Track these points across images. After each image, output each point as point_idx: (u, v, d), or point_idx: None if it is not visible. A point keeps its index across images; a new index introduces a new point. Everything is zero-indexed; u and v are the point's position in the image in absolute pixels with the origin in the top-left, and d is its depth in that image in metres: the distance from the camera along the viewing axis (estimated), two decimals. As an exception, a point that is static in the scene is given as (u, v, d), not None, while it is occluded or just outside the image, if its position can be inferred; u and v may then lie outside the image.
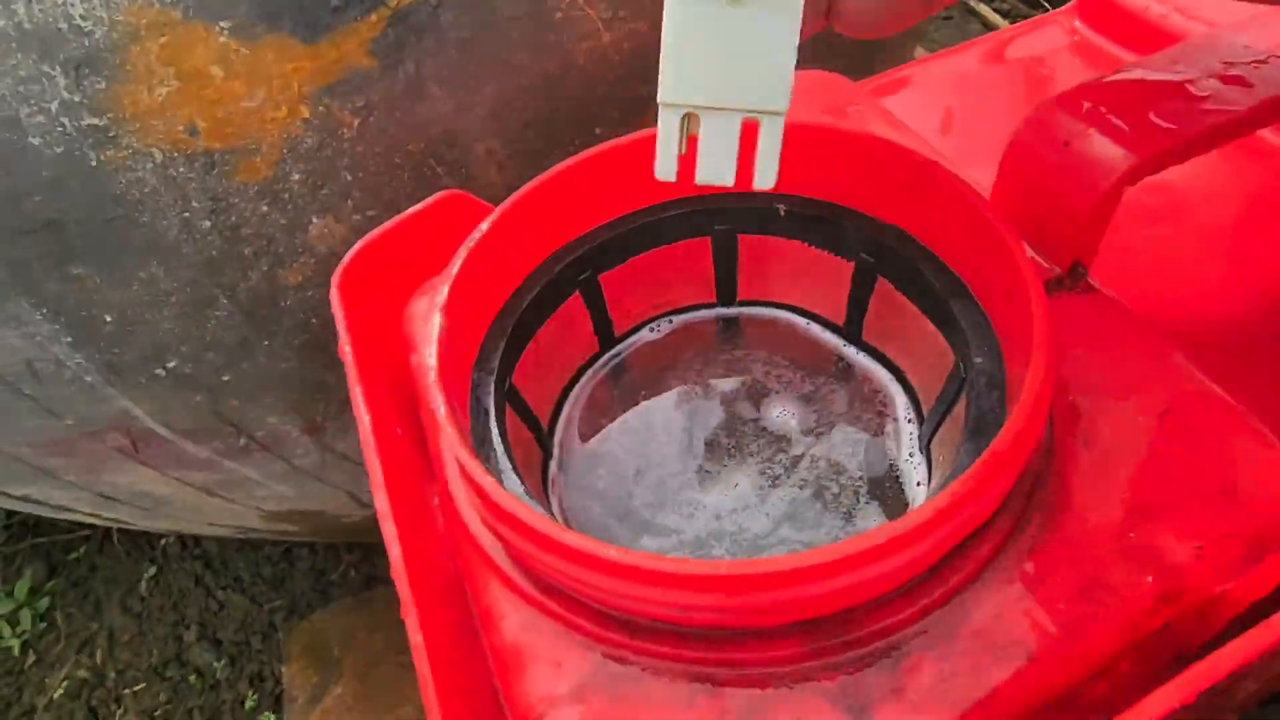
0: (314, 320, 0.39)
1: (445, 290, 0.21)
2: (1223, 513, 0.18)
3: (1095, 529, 0.18)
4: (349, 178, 0.35)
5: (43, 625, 0.92)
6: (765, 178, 0.19)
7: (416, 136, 0.35)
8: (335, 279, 0.25)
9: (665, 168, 0.19)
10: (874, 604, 0.17)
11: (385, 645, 0.80)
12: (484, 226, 0.23)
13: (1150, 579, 0.18)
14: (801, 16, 0.17)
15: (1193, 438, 0.20)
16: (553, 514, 0.25)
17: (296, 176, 0.34)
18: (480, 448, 0.21)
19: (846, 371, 0.27)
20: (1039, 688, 0.17)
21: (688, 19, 0.18)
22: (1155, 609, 0.17)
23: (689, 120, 0.19)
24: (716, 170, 0.19)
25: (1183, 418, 0.20)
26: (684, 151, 0.19)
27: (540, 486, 0.26)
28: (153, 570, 0.93)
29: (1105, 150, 0.21)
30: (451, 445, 0.18)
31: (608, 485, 0.25)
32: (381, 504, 0.20)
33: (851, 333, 0.27)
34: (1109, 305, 0.23)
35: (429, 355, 0.20)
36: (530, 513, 0.17)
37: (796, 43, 0.18)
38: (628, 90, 0.38)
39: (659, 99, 0.18)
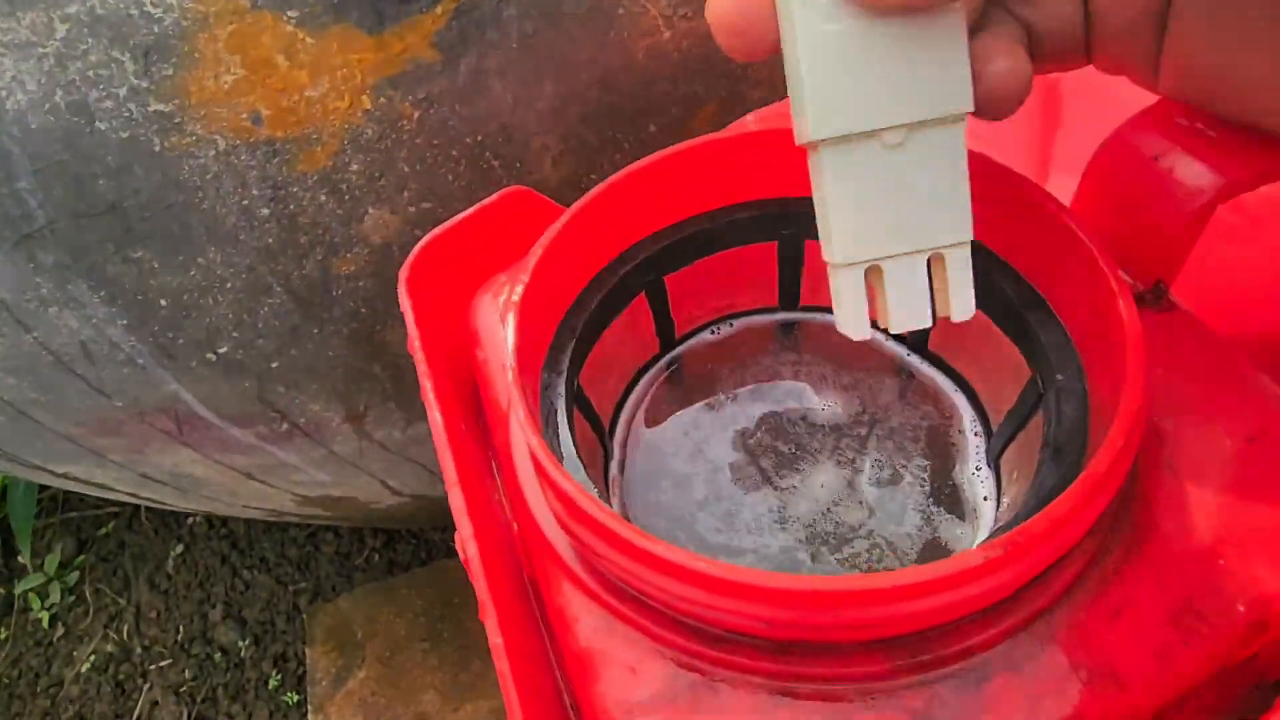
0: (363, 310, 0.39)
1: (520, 290, 0.21)
2: (1314, 542, 0.18)
3: (1183, 554, 0.18)
4: (406, 169, 0.35)
5: (71, 599, 0.93)
6: (964, 309, 0.18)
7: (474, 130, 0.35)
8: (403, 274, 0.25)
9: (858, 328, 0.18)
10: (958, 623, 0.17)
11: (408, 631, 0.81)
12: (558, 226, 0.23)
13: (1242, 608, 0.17)
14: (966, 144, 0.17)
15: (1281, 464, 0.19)
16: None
17: (355, 167, 0.34)
18: (552, 442, 0.21)
19: (910, 379, 0.27)
20: (1125, 713, 0.17)
21: (848, 172, 0.17)
22: (1247, 638, 0.17)
23: (870, 273, 0.18)
24: (911, 315, 0.18)
25: (1270, 443, 0.20)
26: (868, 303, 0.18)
27: (603, 485, 0.26)
28: (180, 548, 0.95)
29: (1195, 168, 0.21)
30: (532, 448, 0.18)
31: (671, 500, 0.25)
32: (456, 501, 0.20)
33: (916, 341, 0.27)
34: (1191, 324, 0.22)
35: (506, 357, 0.20)
36: (620, 521, 0.17)
37: (967, 169, 0.17)
38: (683, 88, 0.38)
39: (831, 260, 0.18)
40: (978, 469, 0.25)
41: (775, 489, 0.25)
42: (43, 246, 0.34)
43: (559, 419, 0.22)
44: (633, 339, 0.27)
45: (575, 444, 0.22)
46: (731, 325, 0.29)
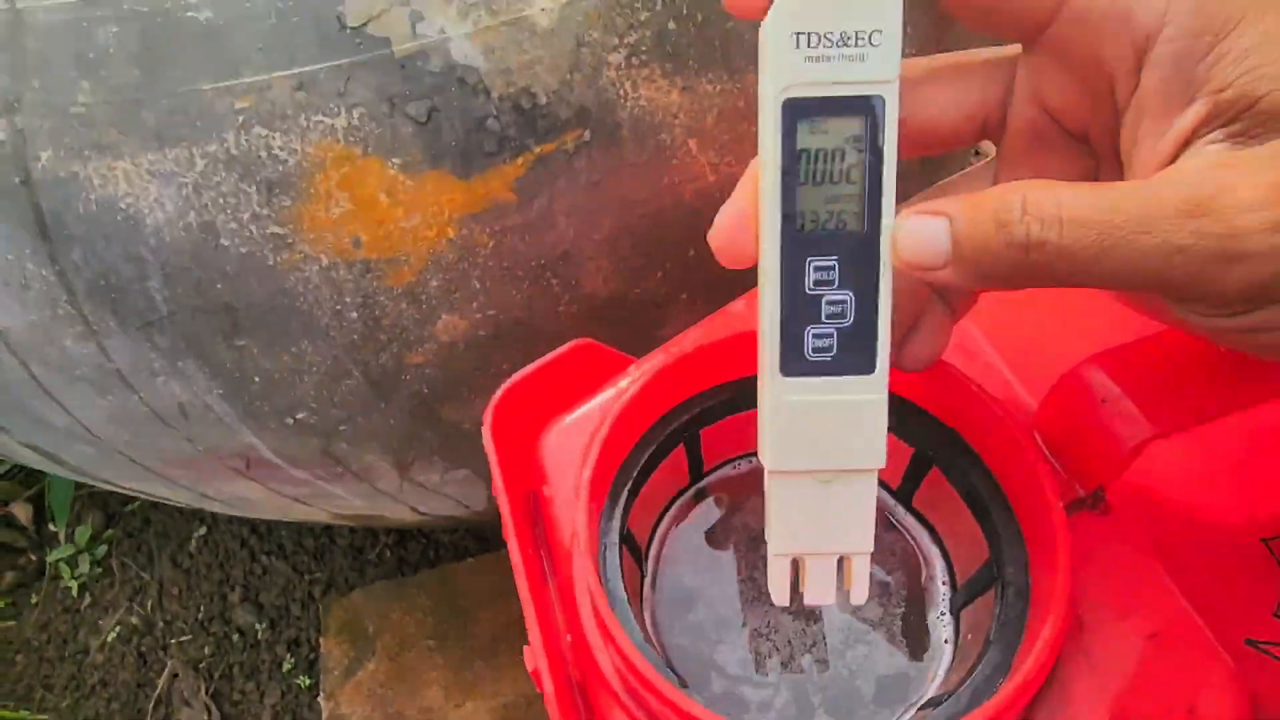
0: (426, 390, 0.45)
1: (588, 474, 0.26)
2: (1185, 729, 0.24)
3: (1085, 731, 0.24)
4: (477, 285, 0.40)
5: (99, 570, 0.99)
6: (860, 596, 0.25)
7: (539, 255, 0.40)
8: (487, 418, 0.31)
9: (780, 597, 0.26)
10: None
11: (417, 630, 0.87)
12: (621, 404, 0.28)
13: (1122, 781, 0.23)
14: (877, 482, 0.24)
15: (1172, 660, 0.25)
16: (645, 626, 0.31)
17: (435, 283, 0.39)
18: (608, 592, 0.27)
19: (895, 527, 0.33)
20: None
21: (790, 495, 0.24)
22: (1122, 805, 0.23)
23: (796, 561, 0.25)
24: (820, 596, 0.25)
25: (1166, 641, 0.25)
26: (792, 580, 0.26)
27: (638, 601, 0.31)
28: (203, 530, 1.00)
29: (1135, 417, 0.26)
30: (604, 614, 0.24)
31: (693, 619, 0.31)
32: (535, 638, 0.25)
33: (903, 497, 0.33)
34: (1121, 528, 0.28)
35: (579, 520, 0.26)
36: (669, 687, 0.22)
37: (875, 497, 0.24)
38: (722, 220, 0.43)
39: (769, 550, 0.25)
40: (942, 614, 0.31)
41: (780, 610, 0.31)
42: (161, 331, 0.39)
43: (609, 562, 0.28)
44: (669, 477, 0.32)
45: (625, 587, 0.27)
46: (751, 461, 0.35)
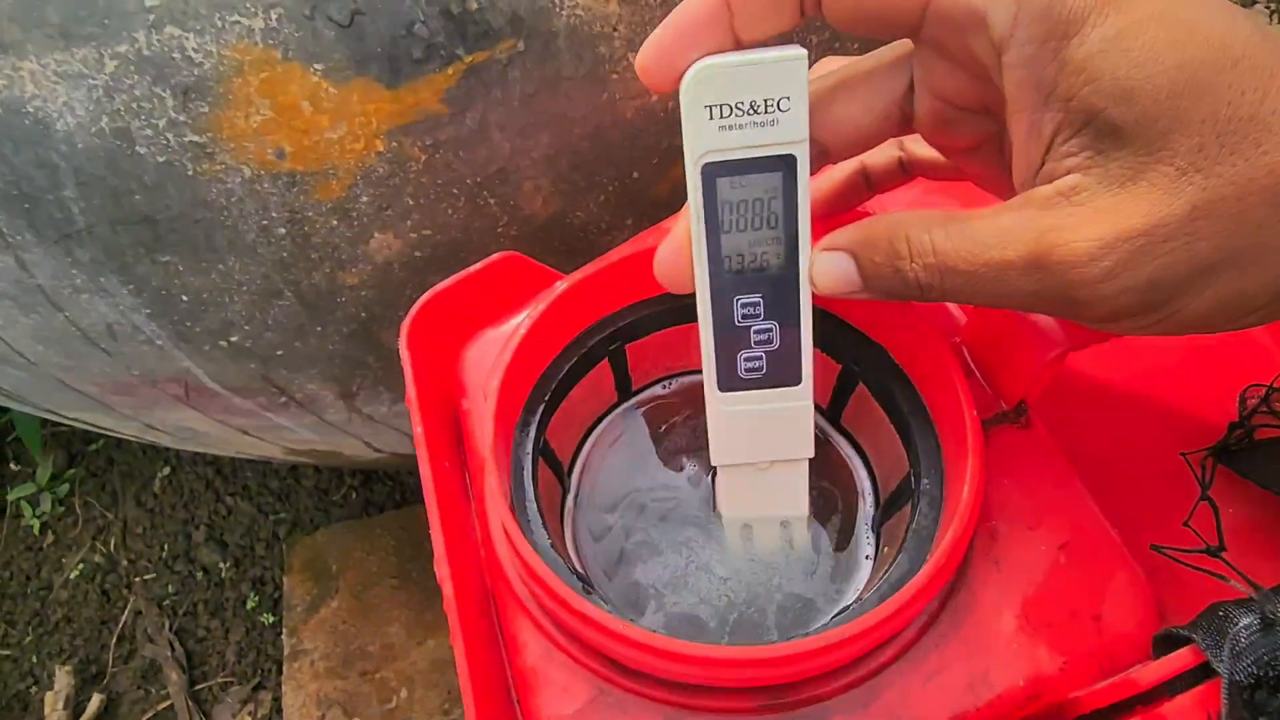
0: (363, 314, 0.44)
1: (497, 382, 0.26)
2: (1089, 636, 0.24)
3: (991, 636, 0.24)
4: (410, 202, 0.39)
5: (61, 509, 0.98)
6: (800, 545, 0.29)
7: (475, 172, 0.39)
8: (404, 329, 0.30)
9: (736, 553, 0.29)
10: (813, 679, 0.23)
11: (380, 569, 0.87)
12: (534, 314, 0.28)
13: (1022, 682, 0.23)
14: (808, 467, 0.27)
15: (1081, 569, 0.25)
16: (565, 540, 0.31)
17: (365, 198, 0.38)
18: (517, 500, 0.26)
19: (825, 445, 0.32)
20: (924, 754, 0.23)
21: (735, 478, 0.28)
22: (1022, 705, 0.23)
23: (745, 527, 0.29)
24: (768, 548, 0.29)
25: (1077, 550, 0.25)
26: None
27: (558, 515, 0.31)
28: (166, 470, 1.00)
29: (1052, 327, 0.26)
30: (505, 524, 0.23)
31: (613, 537, 0.30)
32: (438, 547, 0.25)
33: (832, 415, 0.32)
34: (1041, 442, 0.27)
35: (486, 430, 0.25)
36: (562, 585, 0.22)
37: (807, 475, 0.28)
38: (665, 141, 0.42)
39: (722, 515, 0.29)
40: (865, 530, 0.30)
41: (707, 522, 0.30)
42: (80, 245, 0.38)
43: (525, 473, 0.27)
44: (594, 395, 0.32)
45: (537, 491, 0.27)
46: (682, 380, 0.34)
